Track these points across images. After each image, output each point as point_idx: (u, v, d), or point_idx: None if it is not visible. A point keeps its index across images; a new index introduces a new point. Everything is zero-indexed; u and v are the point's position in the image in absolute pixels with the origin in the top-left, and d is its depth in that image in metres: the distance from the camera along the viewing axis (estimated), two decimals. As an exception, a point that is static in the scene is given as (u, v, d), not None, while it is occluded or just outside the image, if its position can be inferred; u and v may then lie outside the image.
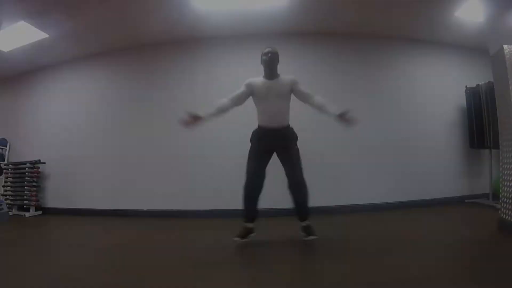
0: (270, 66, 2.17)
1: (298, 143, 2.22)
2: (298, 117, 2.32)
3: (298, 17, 3.32)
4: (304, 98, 2.17)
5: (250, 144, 2.22)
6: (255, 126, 2.24)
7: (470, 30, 3.50)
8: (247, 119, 2.26)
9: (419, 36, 3.80)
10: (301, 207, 2.16)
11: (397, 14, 3.31)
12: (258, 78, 2.22)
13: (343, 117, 2.00)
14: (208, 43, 3.71)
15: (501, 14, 2.34)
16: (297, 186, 2.12)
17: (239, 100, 2.17)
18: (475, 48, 3.90)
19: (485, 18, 2.54)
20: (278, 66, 2.23)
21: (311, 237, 2.14)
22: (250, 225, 2.18)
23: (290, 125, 2.22)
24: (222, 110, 2.12)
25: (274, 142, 2.14)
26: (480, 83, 3.59)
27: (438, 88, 3.85)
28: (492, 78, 2.44)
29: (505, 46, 2.22)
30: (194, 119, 2.00)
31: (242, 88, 2.19)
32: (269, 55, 2.15)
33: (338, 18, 3.36)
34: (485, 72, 3.17)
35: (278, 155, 2.18)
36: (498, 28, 2.37)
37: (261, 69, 2.25)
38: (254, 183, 2.12)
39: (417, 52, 3.89)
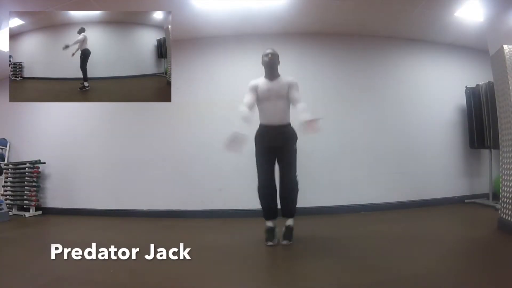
0: (271, 67, 2.22)
1: (298, 142, 2.23)
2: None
3: (298, 17, 3.31)
4: (292, 101, 2.18)
5: (253, 145, 2.21)
6: (254, 126, 2.23)
7: (470, 30, 3.50)
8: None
9: (419, 36, 3.79)
10: (288, 204, 2.21)
11: (397, 14, 3.31)
12: (260, 78, 2.26)
13: (310, 124, 1.92)
14: (208, 43, 3.71)
15: (501, 14, 2.34)
16: (289, 183, 2.17)
17: (253, 106, 2.19)
18: (475, 48, 3.90)
19: (485, 18, 2.54)
20: (279, 67, 2.26)
21: (286, 242, 2.12)
22: (270, 223, 2.20)
23: (291, 124, 2.23)
24: (250, 120, 2.12)
25: (275, 140, 2.16)
26: (480, 83, 3.58)
27: (438, 88, 3.84)
28: (492, 78, 2.45)
29: (505, 46, 2.22)
30: (241, 140, 1.94)
31: (249, 93, 2.20)
32: (269, 56, 2.20)
33: (338, 18, 3.35)
34: (485, 72, 3.17)
35: (276, 153, 2.20)
36: (498, 28, 2.37)
37: (260, 68, 2.27)
38: (267, 193, 2.19)
39: (417, 52, 3.88)
